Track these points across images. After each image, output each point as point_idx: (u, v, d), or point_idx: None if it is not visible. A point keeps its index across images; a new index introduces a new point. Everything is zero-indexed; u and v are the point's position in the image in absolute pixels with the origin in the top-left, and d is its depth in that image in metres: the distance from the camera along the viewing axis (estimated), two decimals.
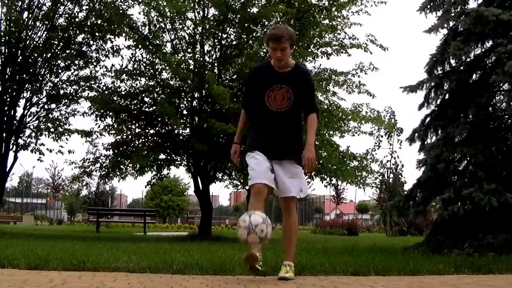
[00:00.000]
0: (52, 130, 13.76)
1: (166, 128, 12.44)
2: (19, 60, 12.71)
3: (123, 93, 12.45)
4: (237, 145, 4.09)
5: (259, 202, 3.71)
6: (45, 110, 13.75)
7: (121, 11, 12.32)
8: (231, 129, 9.73)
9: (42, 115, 13.76)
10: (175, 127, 11.76)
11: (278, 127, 3.90)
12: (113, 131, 12.62)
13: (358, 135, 13.11)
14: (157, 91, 12.17)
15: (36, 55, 12.79)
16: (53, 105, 13.75)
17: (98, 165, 12.95)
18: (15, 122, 13.23)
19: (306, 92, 3.95)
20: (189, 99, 12.35)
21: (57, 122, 13.82)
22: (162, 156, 12.51)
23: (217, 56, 12.17)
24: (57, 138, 13.90)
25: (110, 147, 12.76)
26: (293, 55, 12.14)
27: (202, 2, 11.92)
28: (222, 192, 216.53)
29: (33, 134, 13.64)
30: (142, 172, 12.46)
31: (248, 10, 11.49)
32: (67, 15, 12.96)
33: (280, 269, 3.77)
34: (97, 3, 12.74)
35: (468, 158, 6.62)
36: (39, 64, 12.89)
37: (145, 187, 14.28)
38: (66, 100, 13.68)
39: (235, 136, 4.17)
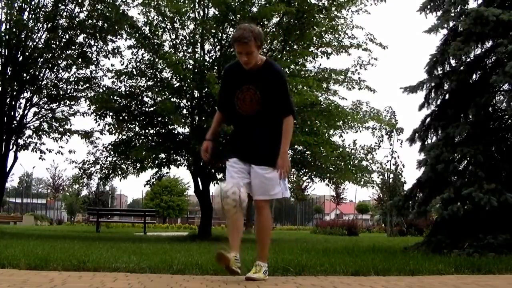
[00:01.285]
0: (52, 130, 13.77)
1: (166, 128, 12.45)
2: (19, 60, 12.71)
3: (123, 93, 12.47)
4: (208, 142, 3.91)
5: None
6: (45, 110, 13.77)
7: (121, 11, 12.34)
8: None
9: (42, 115, 13.77)
10: (175, 126, 11.75)
11: (251, 132, 3.75)
12: (113, 130, 12.63)
13: (361, 131, 13.17)
14: (157, 91, 12.18)
15: (36, 55, 12.80)
16: (54, 105, 13.77)
17: (98, 166, 12.96)
18: (15, 122, 13.23)
19: (277, 93, 3.70)
20: (190, 98, 12.36)
21: (58, 123, 13.83)
22: (162, 156, 12.53)
23: (217, 56, 12.17)
24: (57, 139, 13.92)
25: (111, 146, 12.76)
26: (293, 55, 12.21)
27: (202, 2, 11.92)
28: None
29: (34, 135, 13.64)
30: (143, 168, 12.47)
31: (248, 9, 11.50)
32: (67, 15, 12.95)
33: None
34: (99, 4, 12.74)
35: (468, 158, 6.61)
36: (40, 64, 12.89)
37: (144, 186, 14.33)
38: (66, 100, 13.69)
39: (207, 133, 3.99)
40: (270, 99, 3.70)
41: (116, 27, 12.58)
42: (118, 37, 13.08)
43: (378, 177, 16.93)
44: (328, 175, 12.98)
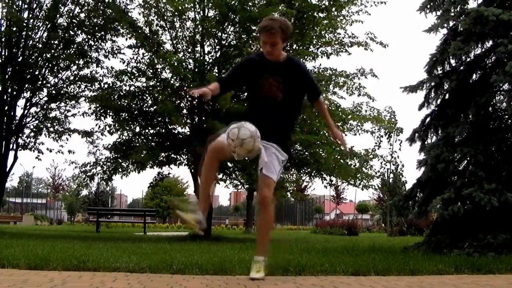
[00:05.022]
0: (52, 129, 13.77)
1: (166, 128, 12.45)
2: (19, 60, 12.71)
3: (123, 92, 12.46)
4: (208, 91, 3.62)
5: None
6: (45, 110, 13.76)
7: (122, 9, 12.35)
8: None
9: (42, 115, 13.77)
10: (175, 126, 11.73)
11: (272, 114, 3.74)
12: (113, 131, 12.61)
13: (360, 134, 13.17)
14: (157, 91, 12.17)
15: (36, 55, 12.80)
16: (53, 105, 13.77)
17: (99, 167, 12.93)
18: (15, 122, 13.23)
19: (305, 83, 3.86)
20: (189, 98, 12.34)
21: (57, 121, 13.83)
22: (162, 155, 12.53)
23: (217, 56, 12.17)
24: (57, 138, 13.91)
25: (112, 146, 12.75)
26: (294, 55, 12.18)
27: (202, 2, 11.92)
28: (222, 192, 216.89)
29: (32, 134, 13.64)
30: (143, 167, 12.48)
31: (247, 8, 11.48)
32: (67, 15, 12.96)
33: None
34: (99, 3, 12.73)
35: (468, 158, 6.61)
36: (39, 64, 12.89)
37: (148, 188, 14.37)
38: (66, 99, 13.69)
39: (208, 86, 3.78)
40: (293, 90, 3.81)
41: (116, 24, 12.57)
42: (119, 36, 13.09)
43: (378, 177, 16.91)
44: (328, 172, 12.94)
